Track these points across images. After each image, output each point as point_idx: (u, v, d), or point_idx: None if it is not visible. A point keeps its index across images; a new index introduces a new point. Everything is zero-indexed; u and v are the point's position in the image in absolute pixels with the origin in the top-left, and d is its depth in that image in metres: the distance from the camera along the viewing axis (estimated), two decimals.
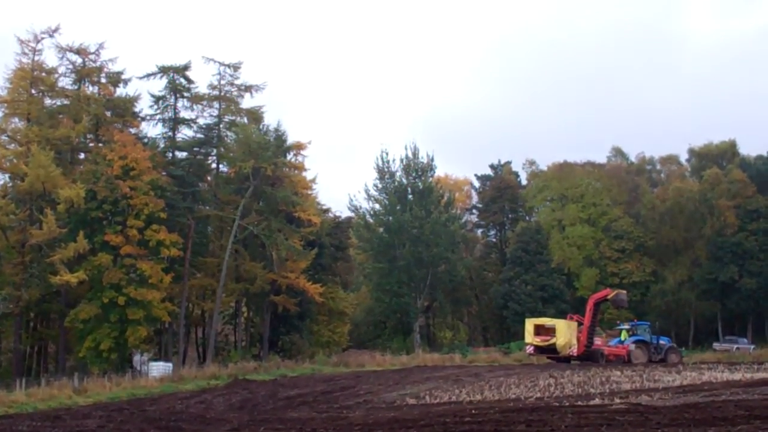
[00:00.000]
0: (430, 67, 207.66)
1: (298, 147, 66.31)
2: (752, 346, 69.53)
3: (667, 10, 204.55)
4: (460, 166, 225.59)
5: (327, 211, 76.66)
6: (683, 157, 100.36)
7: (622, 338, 59.49)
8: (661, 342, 59.23)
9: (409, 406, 26.54)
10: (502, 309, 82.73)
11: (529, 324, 58.51)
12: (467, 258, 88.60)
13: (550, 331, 56.34)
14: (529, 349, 58.39)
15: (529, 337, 57.66)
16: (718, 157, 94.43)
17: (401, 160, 78.94)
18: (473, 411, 21.72)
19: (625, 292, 62.43)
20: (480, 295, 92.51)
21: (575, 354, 55.30)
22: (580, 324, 57.36)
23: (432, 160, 79.99)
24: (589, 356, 55.30)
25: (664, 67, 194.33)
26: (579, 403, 23.45)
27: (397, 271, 75.29)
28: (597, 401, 23.68)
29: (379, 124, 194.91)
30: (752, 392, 24.88)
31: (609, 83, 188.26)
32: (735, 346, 68.15)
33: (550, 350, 56.22)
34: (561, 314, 76.06)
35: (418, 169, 79.11)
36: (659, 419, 17.58)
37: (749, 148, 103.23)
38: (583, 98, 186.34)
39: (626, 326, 60.29)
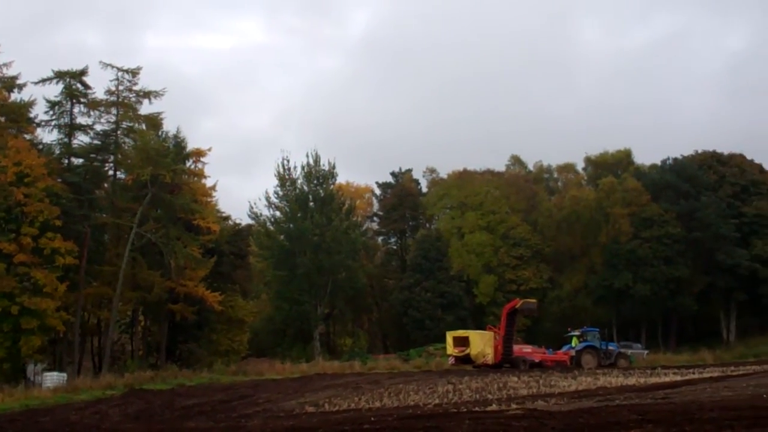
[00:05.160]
0: (330, 74, 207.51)
1: (198, 154, 65.53)
2: (645, 351, 71.03)
3: (563, 21, 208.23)
4: (361, 173, 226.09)
5: (227, 218, 76.11)
6: (580, 165, 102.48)
7: (573, 344, 60.48)
8: (610, 348, 60.41)
9: (307, 414, 26.46)
10: (402, 316, 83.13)
11: (449, 336, 59.58)
12: (368, 265, 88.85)
13: (466, 342, 57.35)
14: (451, 360, 59.16)
15: (450, 348, 58.74)
16: (613, 166, 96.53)
17: (302, 168, 78.74)
18: (372, 418, 21.76)
19: (534, 300, 63.38)
20: (380, 303, 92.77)
21: (489, 362, 56.05)
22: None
23: (333, 167, 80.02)
24: (510, 364, 56.17)
25: (561, 77, 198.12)
26: (476, 409, 23.64)
27: (297, 279, 75.05)
28: (494, 407, 23.90)
29: (281, 131, 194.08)
30: (645, 396, 25.38)
31: (508, 93, 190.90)
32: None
33: (466, 360, 57.13)
34: (460, 321, 77.14)
35: (319, 176, 78.98)
36: (554, 424, 17.83)
37: (644, 157, 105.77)
38: (483, 107, 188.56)
39: (576, 333, 61.25)
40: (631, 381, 35.82)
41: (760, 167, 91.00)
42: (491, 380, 38.93)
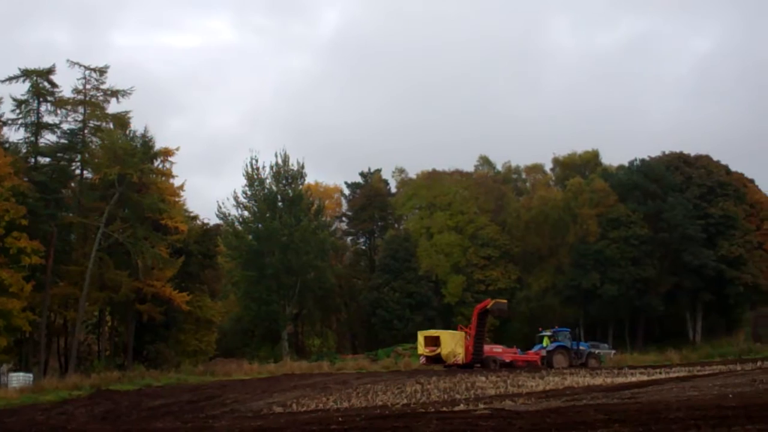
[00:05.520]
0: (299, 73, 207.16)
1: (166, 153, 65.11)
2: (613, 351, 71.39)
3: (532, 23, 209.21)
4: (330, 173, 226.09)
5: (195, 218, 75.58)
6: (548, 166, 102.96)
7: (544, 344, 60.68)
8: (581, 348, 60.70)
9: (275, 414, 26.41)
10: (370, 316, 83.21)
11: (420, 336, 59.60)
12: (336, 266, 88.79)
13: (437, 342, 57.46)
14: (422, 360, 59.23)
15: (421, 348, 58.76)
16: (581, 167, 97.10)
17: (271, 167, 78.38)
18: (340, 418, 21.75)
19: (505, 301, 63.43)
20: (349, 303, 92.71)
21: (460, 362, 56.18)
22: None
23: (302, 167, 79.73)
24: (481, 364, 56.34)
25: (529, 79, 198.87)
26: (444, 409, 23.69)
27: (265, 279, 74.78)
28: (462, 407, 23.96)
29: (250, 130, 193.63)
30: (612, 396, 25.52)
31: (476, 94, 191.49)
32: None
33: (437, 360, 57.25)
34: (428, 321, 77.27)
35: (288, 176, 78.69)
36: (522, 424, 17.89)
37: (611, 158, 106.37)
38: (452, 108, 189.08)
39: (548, 333, 61.47)
40: (598, 381, 36.02)
41: (726, 168, 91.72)
42: (459, 380, 39.02)
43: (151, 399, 36.68)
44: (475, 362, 56.36)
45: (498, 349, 60.05)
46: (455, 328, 62.95)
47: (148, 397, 37.79)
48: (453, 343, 57.35)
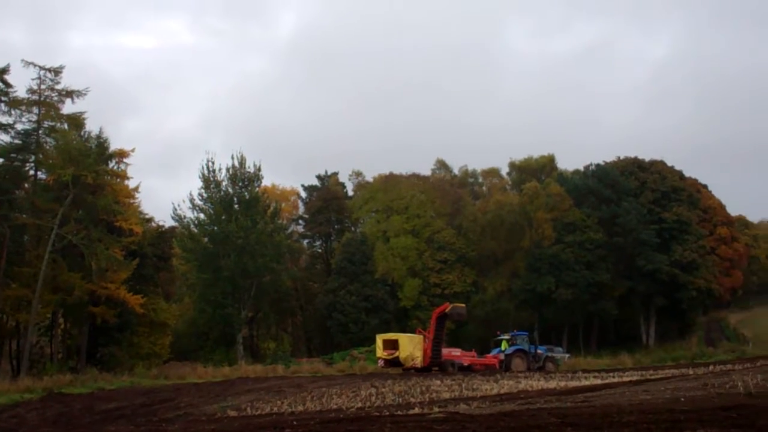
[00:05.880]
0: (256, 76, 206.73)
1: (121, 155, 64.74)
2: (567, 355, 71.91)
3: (489, 29, 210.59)
4: (287, 176, 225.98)
5: (150, 220, 75.12)
6: (504, 170, 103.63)
7: (503, 348, 60.86)
8: (539, 351, 60.95)
9: (229, 418, 26.28)
10: (326, 319, 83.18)
11: (379, 339, 59.47)
12: (293, 269, 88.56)
13: (395, 345, 57.51)
14: (380, 363, 59.23)
15: (379, 351, 58.66)
16: (537, 171, 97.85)
17: (227, 170, 78.00)
18: (294, 422, 21.66)
19: (463, 305, 63.56)
20: (305, 306, 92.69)
21: (418, 366, 56.28)
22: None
23: (259, 169, 79.44)
24: (439, 367, 56.48)
25: (487, 84, 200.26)
26: (399, 412, 23.66)
27: (221, 282, 74.48)
28: (416, 410, 23.95)
29: (206, 132, 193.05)
30: (566, 400, 25.61)
31: (435, 98, 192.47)
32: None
33: (395, 363, 57.28)
34: (384, 324, 77.30)
35: (244, 178, 78.36)
36: (475, 427, 17.90)
37: (567, 163, 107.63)
38: (410, 112, 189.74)
39: (506, 336, 61.67)
40: (552, 384, 36.16)
41: (680, 174, 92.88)
42: (414, 383, 39.01)
43: (104, 402, 36.33)
44: (434, 366, 56.51)
45: (456, 352, 60.20)
46: (412, 332, 63.13)
47: (101, 401, 37.42)
48: (411, 346, 57.42)
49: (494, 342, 63.57)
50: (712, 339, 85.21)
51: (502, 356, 59.74)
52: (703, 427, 13.75)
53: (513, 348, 59.98)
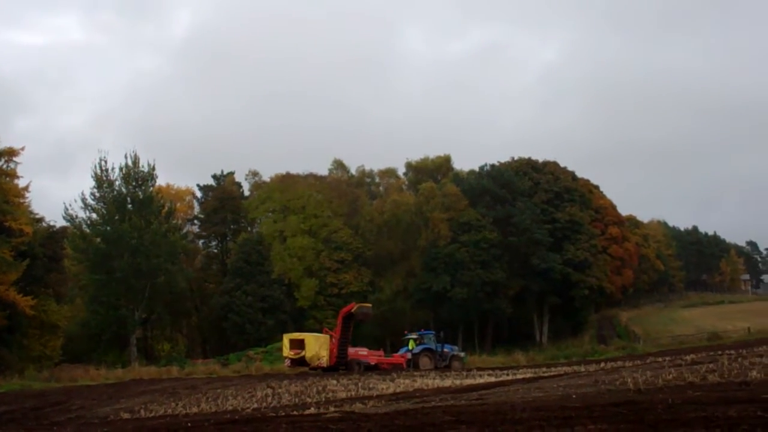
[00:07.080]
0: (150, 74, 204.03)
1: (10, 153, 63.23)
2: (462, 354, 72.61)
3: (386, 31, 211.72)
4: (182, 176, 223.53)
5: (40, 220, 73.56)
6: (401, 170, 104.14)
7: (410, 347, 60.92)
8: (446, 350, 61.16)
9: (122, 420, 25.89)
10: (222, 320, 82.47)
11: (285, 339, 59.23)
12: (188, 269, 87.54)
13: (301, 345, 57.37)
14: (287, 363, 58.96)
15: (286, 351, 58.39)
16: (433, 171, 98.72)
17: (121, 169, 76.55)
18: (188, 424, 21.45)
19: (369, 305, 63.59)
20: (200, 307, 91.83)
21: (325, 365, 56.21)
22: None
23: (153, 169, 78.07)
24: (345, 367, 56.47)
25: (383, 85, 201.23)
26: (294, 413, 23.61)
27: (114, 283, 73.24)
28: (312, 410, 23.92)
29: (99, 132, 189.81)
30: (460, 398, 25.84)
31: (332, 98, 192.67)
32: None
33: (301, 362, 57.13)
34: (281, 325, 77.03)
35: (138, 178, 77.03)
36: (371, 426, 17.96)
37: (463, 163, 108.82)
38: (307, 112, 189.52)
39: (414, 335, 61.77)
40: (447, 383, 36.46)
41: (573, 174, 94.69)
42: (310, 384, 38.98)
43: None
44: (340, 365, 56.58)
45: (363, 352, 60.32)
46: (310, 332, 63.08)
47: None
48: (317, 346, 57.37)
49: (403, 341, 63.86)
50: (603, 336, 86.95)
51: (409, 355, 60.04)
52: (593, 423, 14.01)
53: (420, 347, 60.32)
